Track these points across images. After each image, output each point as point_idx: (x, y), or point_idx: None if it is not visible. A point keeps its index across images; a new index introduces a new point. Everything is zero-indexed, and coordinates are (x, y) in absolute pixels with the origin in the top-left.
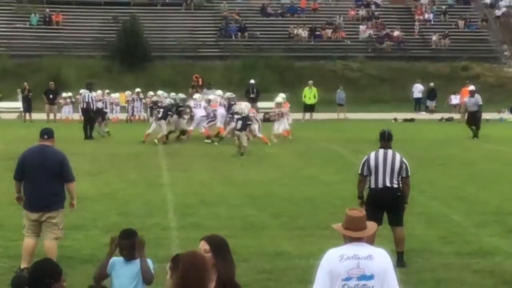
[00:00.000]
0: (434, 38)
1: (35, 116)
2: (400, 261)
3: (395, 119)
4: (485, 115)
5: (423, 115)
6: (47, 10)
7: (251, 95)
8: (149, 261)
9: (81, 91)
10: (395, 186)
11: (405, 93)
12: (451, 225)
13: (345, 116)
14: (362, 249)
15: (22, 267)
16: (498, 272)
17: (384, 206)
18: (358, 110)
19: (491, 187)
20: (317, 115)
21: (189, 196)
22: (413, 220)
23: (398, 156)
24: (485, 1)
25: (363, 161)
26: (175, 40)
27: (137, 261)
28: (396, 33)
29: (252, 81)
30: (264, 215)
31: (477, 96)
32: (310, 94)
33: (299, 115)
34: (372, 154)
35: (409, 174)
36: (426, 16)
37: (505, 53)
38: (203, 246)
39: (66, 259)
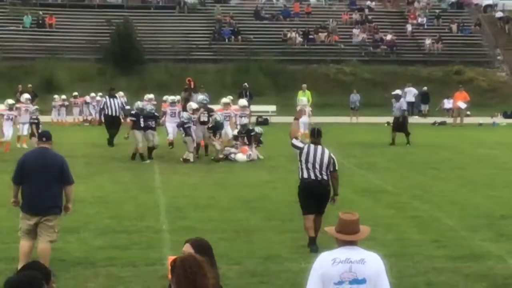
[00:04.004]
0: (427, 42)
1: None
2: (313, 245)
3: (388, 123)
4: (478, 119)
5: (415, 119)
6: (41, 12)
7: (244, 99)
8: None
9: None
10: (325, 178)
11: None
12: (443, 229)
13: (357, 119)
14: (355, 253)
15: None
16: (489, 276)
17: (314, 195)
18: (351, 114)
19: (483, 191)
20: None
21: (181, 199)
22: (405, 224)
23: (326, 151)
24: (479, 4)
25: (300, 147)
26: (168, 43)
27: None
28: (389, 37)
29: (245, 84)
30: (256, 218)
31: (402, 100)
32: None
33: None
34: (306, 146)
35: (337, 168)
36: (419, 20)
37: (498, 57)
38: (187, 249)
39: (58, 262)
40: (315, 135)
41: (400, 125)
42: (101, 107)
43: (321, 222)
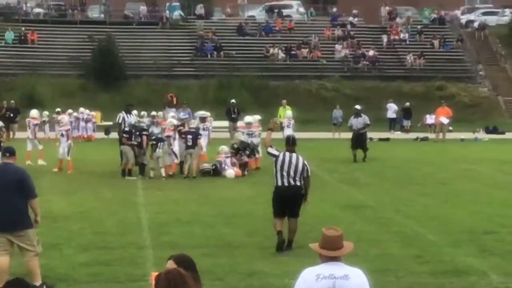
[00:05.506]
0: (409, 57)
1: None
2: (289, 245)
3: (371, 139)
4: (460, 135)
5: (398, 135)
6: (23, 28)
7: (233, 115)
8: None
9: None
10: (298, 184)
11: (381, 113)
12: (426, 245)
13: (339, 135)
14: (338, 269)
15: None
16: None
17: (287, 201)
18: (333, 130)
19: (466, 206)
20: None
21: (164, 214)
22: (388, 239)
23: (301, 158)
24: (460, 21)
25: (276, 154)
26: (150, 59)
27: None
28: (371, 52)
29: (233, 100)
30: (239, 234)
31: (364, 116)
32: (284, 114)
33: (278, 135)
34: (281, 154)
35: (310, 174)
36: (402, 35)
37: (480, 72)
38: (171, 265)
39: (41, 278)
40: (290, 143)
41: (360, 142)
42: (119, 122)
43: (296, 225)
